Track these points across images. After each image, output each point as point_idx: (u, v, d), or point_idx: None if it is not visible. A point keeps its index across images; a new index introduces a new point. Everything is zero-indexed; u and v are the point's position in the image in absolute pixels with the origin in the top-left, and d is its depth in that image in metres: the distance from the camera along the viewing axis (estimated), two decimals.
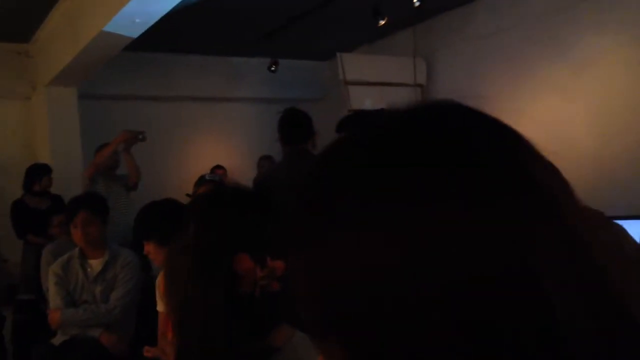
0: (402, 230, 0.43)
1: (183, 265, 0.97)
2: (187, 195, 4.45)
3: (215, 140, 7.60)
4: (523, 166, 0.46)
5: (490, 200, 0.43)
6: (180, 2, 4.49)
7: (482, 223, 0.42)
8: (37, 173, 5.54)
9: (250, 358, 0.86)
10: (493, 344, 0.41)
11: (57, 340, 3.62)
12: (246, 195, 1.22)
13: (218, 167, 7.09)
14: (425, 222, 0.43)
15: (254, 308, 1.03)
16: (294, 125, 3.59)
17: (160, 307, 2.80)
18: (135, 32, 4.87)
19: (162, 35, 5.73)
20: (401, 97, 6.21)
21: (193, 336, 0.93)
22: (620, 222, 4.36)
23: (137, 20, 4.62)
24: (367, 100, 5.99)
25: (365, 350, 0.45)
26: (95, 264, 3.68)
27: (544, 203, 0.44)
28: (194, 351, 0.93)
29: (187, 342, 0.94)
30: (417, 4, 5.17)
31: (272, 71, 6.81)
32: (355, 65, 6.35)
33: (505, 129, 0.49)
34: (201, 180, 3.86)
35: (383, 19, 5.68)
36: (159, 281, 2.72)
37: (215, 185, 3.42)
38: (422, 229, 0.43)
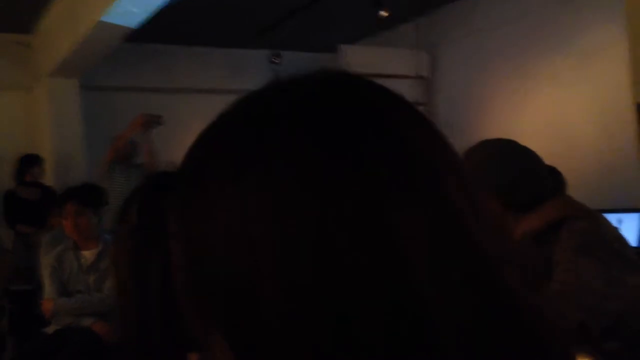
0: (264, 200, 0.40)
1: (125, 248, 0.95)
2: None
3: None
4: (398, 140, 0.43)
5: (358, 177, 0.40)
6: None
7: (352, 203, 0.40)
8: (28, 163, 5.52)
9: (189, 350, 0.84)
10: (361, 334, 0.38)
11: (50, 329, 3.62)
12: None
13: None
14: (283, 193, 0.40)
15: None
16: None
17: None
18: (133, 23, 4.83)
19: (164, 27, 5.71)
20: (404, 90, 6.14)
21: (130, 321, 0.92)
22: (620, 215, 4.31)
23: (135, 10, 4.59)
24: None
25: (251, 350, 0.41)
26: (89, 255, 3.67)
27: (420, 178, 0.42)
28: (131, 335, 0.91)
29: (124, 326, 0.93)
30: None
31: (275, 63, 6.79)
32: (358, 57, 6.31)
33: (391, 100, 0.46)
34: None
35: (384, 11, 5.63)
36: None
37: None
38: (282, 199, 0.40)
